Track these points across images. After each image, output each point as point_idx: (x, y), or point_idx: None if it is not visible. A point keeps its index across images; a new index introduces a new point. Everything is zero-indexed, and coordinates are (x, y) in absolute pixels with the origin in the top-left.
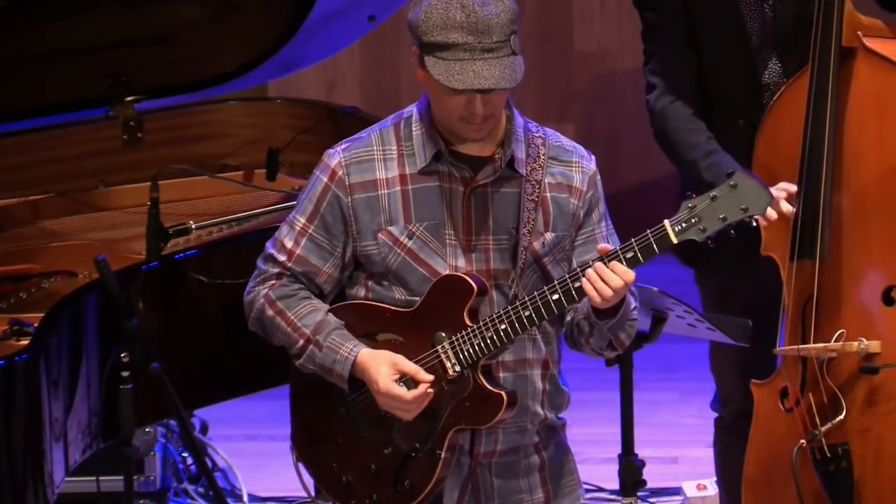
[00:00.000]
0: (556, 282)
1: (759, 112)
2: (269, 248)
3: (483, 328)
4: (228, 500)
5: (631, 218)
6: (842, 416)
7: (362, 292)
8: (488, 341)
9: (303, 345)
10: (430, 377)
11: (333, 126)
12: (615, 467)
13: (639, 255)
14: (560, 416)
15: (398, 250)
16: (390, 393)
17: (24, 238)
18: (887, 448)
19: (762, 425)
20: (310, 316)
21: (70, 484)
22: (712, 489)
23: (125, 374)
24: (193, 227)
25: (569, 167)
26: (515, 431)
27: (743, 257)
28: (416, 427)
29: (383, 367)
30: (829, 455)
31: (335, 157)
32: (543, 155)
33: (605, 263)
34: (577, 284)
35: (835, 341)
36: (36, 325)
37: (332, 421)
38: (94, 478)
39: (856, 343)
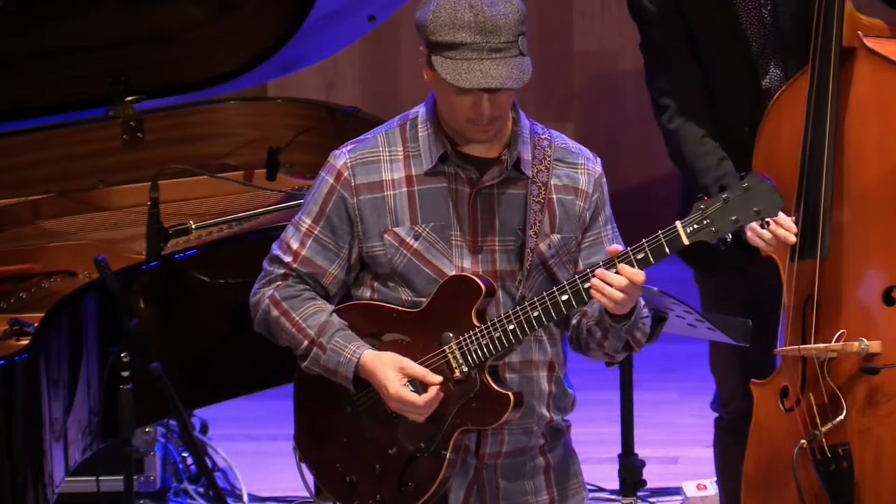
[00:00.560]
0: (565, 282)
1: (763, 117)
2: (275, 249)
3: (491, 328)
4: (228, 500)
5: (631, 218)
6: (842, 417)
7: (368, 293)
8: (496, 341)
9: (307, 346)
10: (439, 379)
11: (333, 126)
12: (615, 467)
13: (650, 255)
14: (565, 418)
15: (404, 251)
16: (402, 398)
17: (24, 238)
18: (887, 448)
19: (762, 425)
20: (314, 317)
21: (70, 484)
22: (712, 489)
23: (125, 374)
24: (193, 227)
25: (574, 169)
26: (521, 433)
27: (743, 257)
28: (422, 427)
29: (391, 371)
30: (829, 455)
31: (341, 158)
32: (549, 157)
33: (611, 266)
34: (586, 285)
35: (835, 341)
36: (36, 325)
37: (336, 421)
38: (94, 478)
39: (856, 343)
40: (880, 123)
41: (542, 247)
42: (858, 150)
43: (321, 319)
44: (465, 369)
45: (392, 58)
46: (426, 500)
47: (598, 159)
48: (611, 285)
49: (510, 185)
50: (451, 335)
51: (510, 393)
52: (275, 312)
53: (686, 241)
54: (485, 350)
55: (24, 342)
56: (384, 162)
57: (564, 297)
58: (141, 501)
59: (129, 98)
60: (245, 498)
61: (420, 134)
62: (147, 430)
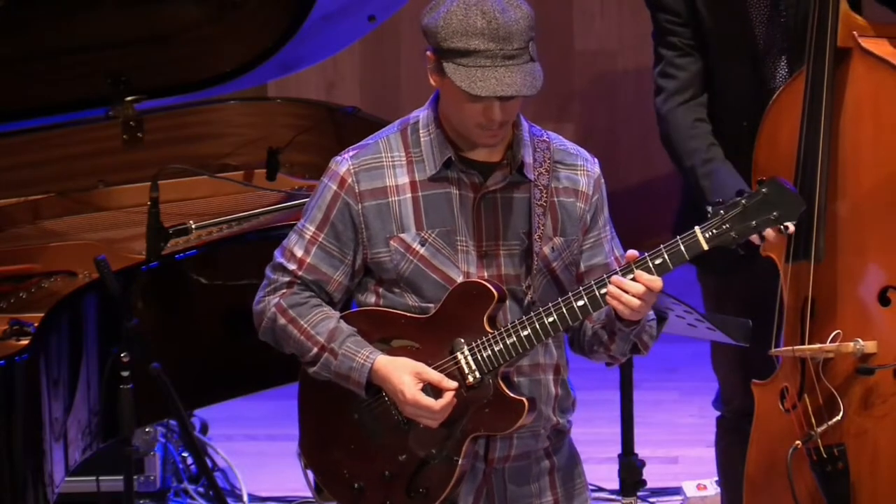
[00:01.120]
0: (581, 288)
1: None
2: (278, 257)
3: (504, 334)
4: (228, 500)
5: (630, 218)
6: (839, 417)
7: (373, 299)
8: (510, 347)
9: (317, 353)
10: (455, 384)
11: (333, 126)
12: (615, 467)
13: (668, 260)
14: (568, 419)
15: (411, 257)
16: (419, 403)
17: (24, 238)
18: (883, 449)
19: (762, 425)
20: (323, 323)
21: (70, 484)
22: (712, 489)
23: (125, 373)
24: (193, 227)
25: (574, 171)
26: (529, 436)
27: (743, 257)
28: (433, 434)
29: (406, 376)
30: (825, 456)
31: (344, 164)
32: (549, 159)
33: (629, 271)
34: (602, 291)
35: (831, 342)
36: (36, 325)
37: (344, 427)
38: (94, 478)
39: (852, 344)
40: (875, 124)
41: (546, 250)
42: (853, 151)
43: (330, 326)
44: (478, 375)
45: (392, 58)
46: None
47: (596, 160)
48: (627, 292)
49: (514, 189)
50: (462, 341)
51: (524, 399)
52: (282, 321)
53: (706, 247)
54: (499, 356)
55: (24, 342)
56: (387, 168)
57: (580, 303)
58: (141, 501)
59: (129, 98)
60: (245, 498)
61: (422, 139)
62: (147, 430)
